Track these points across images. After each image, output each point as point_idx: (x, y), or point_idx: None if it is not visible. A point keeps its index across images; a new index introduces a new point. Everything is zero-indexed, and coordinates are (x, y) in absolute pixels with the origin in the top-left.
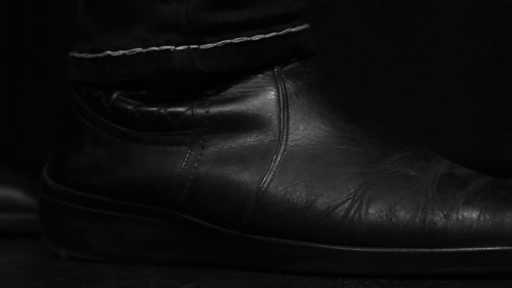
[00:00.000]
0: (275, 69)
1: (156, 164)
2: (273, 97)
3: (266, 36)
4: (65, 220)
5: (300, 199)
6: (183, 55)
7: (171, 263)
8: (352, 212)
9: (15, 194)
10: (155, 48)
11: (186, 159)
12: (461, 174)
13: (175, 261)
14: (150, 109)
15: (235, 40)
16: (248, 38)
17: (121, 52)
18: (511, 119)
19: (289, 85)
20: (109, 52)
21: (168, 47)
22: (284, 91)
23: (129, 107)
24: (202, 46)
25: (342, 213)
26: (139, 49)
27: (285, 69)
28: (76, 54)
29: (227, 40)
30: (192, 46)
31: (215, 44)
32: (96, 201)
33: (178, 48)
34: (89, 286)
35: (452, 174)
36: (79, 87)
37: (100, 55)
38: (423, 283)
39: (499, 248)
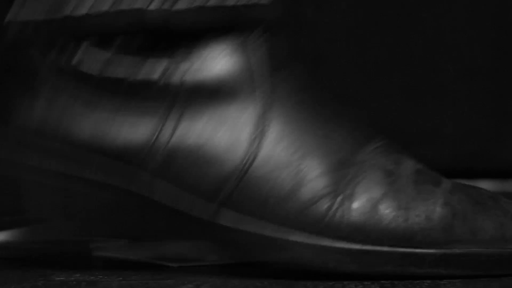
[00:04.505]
0: (242, 39)
1: (123, 134)
2: (246, 68)
3: (239, 3)
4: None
5: (284, 186)
6: (155, 15)
7: (121, 237)
8: (336, 205)
9: None
10: (125, 8)
11: (159, 131)
12: (429, 170)
13: (128, 237)
14: (119, 76)
15: (209, 4)
16: (222, 3)
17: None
18: (511, 120)
19: (258, 58)
20: None
21: (139, 6)
22: (256, 64)
23: (94, 72)
24: (175, 8)
25: (326, 205)
26: (105, 8)
27: (252, 41)
28: None
29: (201, 3)
30: (164, 7)
31: (187, 6)
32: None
33: (150, 8)
34: (89, 286)
35: (422, 170)
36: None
37: None
38: (423, 283)
39: (475, 250)
